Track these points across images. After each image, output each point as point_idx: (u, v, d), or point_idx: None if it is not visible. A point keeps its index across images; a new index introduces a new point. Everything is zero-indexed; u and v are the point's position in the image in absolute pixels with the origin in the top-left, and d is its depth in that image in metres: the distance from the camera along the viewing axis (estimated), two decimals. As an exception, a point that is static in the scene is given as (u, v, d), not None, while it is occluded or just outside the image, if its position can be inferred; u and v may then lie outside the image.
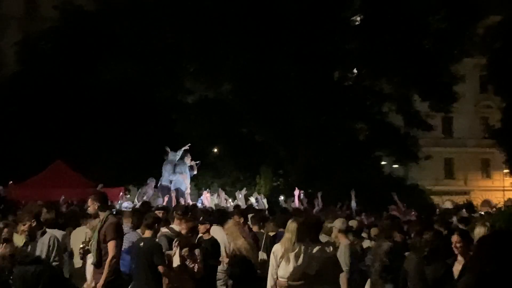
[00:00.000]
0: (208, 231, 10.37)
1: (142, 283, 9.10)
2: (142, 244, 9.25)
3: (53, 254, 9.17)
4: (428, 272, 7.68)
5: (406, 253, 9.05)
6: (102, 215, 9.14)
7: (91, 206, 9.26)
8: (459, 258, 8.23)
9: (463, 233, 8.58)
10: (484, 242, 6.20)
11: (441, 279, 7.69)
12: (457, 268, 8.11)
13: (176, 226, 10.40)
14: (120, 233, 9.08)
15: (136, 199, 19.63)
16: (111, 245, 8.77)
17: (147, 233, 9.39)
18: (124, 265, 9.51)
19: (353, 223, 12.25)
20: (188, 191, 22.99)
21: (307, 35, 30.32)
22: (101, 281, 8.66)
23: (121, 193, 20.96)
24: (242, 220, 10.98)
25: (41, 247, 9.24)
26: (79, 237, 10.25)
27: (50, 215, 10.67)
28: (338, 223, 11.19)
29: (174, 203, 18.79)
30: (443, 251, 8.31)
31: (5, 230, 10.14)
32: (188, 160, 22.50)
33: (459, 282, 6.37)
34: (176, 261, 9.31)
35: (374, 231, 12.13)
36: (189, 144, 23.84)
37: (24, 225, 9.56)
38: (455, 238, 8.45)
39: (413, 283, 7.74)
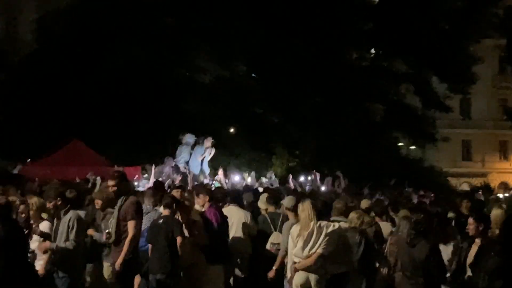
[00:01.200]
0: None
1: (160, 257, 9.26)
2: (161, 221, 9.43)
3: (72, 235, 9.37)
4: (414, 253, 7.81)
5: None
6: (123, 194, 9.26)
7: (112, 185, 9.35)
8: (477, 240, 8.33)
9: (478, 216, 8.67)
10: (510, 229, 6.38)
11: (425, 259, 7.83)
12: (474, 249, 8.24)
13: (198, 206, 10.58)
14: (140, 212, 9.17)
15: (152, 177, 19.69)
16: (131, 225, 8.86)
17: (166, 212, 9.55)
18: (142, 242, 9.67)
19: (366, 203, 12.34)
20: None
21: (323, 15, 30.24)
22: (120, 259, 8.79)
23: (137, 175, 20.81)
24: (207, 198, 10.76)
25: (63, 226, 9.45)
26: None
27: (72, 194, 10.84)
28: (364, 204, 11.39)
29: (190, 183, 18.84)
30: (430, 233, 8.43)
31: (22, 206, 10.38)
32: (208, 143, 22.02)
33: (487, 264, 6.47)
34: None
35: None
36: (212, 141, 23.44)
37: (49, 203, 9.76)
38: (470, 220, 8.56)
39: (403, 264, 7.84)
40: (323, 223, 9.13)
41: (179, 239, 9.37)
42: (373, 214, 11.36)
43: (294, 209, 9.97)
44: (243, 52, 32.17)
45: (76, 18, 34.80)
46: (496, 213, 8.68)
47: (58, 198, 9.73)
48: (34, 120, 30.47)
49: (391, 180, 24.10)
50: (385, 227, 10.83)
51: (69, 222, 9.41)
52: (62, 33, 34.20)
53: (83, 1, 35.77)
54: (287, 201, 10.73)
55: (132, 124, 30.74)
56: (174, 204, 9.73)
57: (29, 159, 23.01)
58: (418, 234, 8.06)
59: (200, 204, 10.51)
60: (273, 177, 22.73)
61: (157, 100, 32.08)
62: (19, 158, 22.90)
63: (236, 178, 22.36)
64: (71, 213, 9.56)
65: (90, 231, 10.27)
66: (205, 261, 9.86)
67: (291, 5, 30.12)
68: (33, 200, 10.18)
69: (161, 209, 10.02)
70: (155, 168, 18.90)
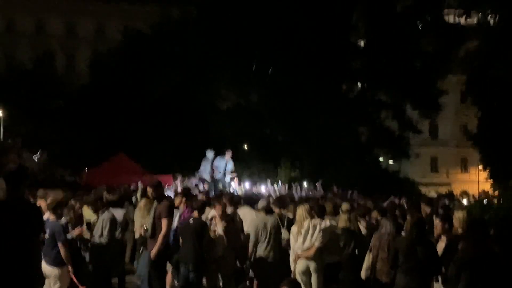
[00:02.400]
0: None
1: (190, 251, 9.20)
2: (192, 222, 9.38)
3: (105, 232, 9.42)
4: (419, 250, 7.57)
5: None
6: (158, 197, 9.24)
7: (150, 190, 9.38)
8: (442, 237, 8.21)
9: (443, 217, 8.56)
10: (474, 229, 6.32)
11: (430, 255, 7.63)
12: (440, 245, 8.11)
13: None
14: (172, 213, 9.13)
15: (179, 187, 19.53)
16: (164, 222, 8.83)
17: (196, 214, 9.50)
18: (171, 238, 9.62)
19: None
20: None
21: (321, 56, 30.34)
22: (154, 250, 8.77)
23: (168, 183, 20.49)
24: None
25: (99, 223, 9.48)
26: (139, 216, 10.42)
27: (110, 196, 10.85)
28: (344, 207, 11.26)
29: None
30: (427, 232, 8.28)
31: (77, 205, 10.41)
32: (228, 157, 21.05)
33: (456, 258, 6.39)
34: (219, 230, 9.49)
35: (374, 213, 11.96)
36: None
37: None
38: (437, 221, 8.42)
39: (406, 260, 7.59)
40: (316, 221, 9.09)
41: (212, 233, 9.38)
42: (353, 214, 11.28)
43: (266, 210, 10.23)
44: (256, 84, 32.34)
45: (124, 55, 35.10)
46: (459, 215, 8.51)
47: (98, 200, 9.85)
48: (88, 138, 30.64)
49: (375, 188, 23.94)
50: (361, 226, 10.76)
51: (103, 221, 9.45)
52: (113, 67, 34.46)
53: (129, 43, 36.11)
54: (260, 204, 10.78)
55: (166, 141, 30.85)
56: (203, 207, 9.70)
57: (86, 168, 23.05)
58: (421, 234, 7.71)
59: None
60: (280, 185, 22.53)
61: (187, 121, 32.22)
62: (77, 168, 22.98)
63: (246, 185, 22.28)
64: (106, 213, 9.58)
65: (76, 231, 9.30)
66: (233, 256, 9.73)
67: (296, 49, 30.26)
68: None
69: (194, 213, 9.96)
70: (182, 181, 18.62)
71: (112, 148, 25.61)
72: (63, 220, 8.53)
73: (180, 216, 10.19)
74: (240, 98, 34.28)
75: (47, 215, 8.44)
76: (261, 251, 9.51)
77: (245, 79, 32.01)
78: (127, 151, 24.30)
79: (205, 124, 32.39)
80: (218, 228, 9.48)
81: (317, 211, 9.59)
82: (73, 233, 9.11)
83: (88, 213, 10.18)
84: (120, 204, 11.27)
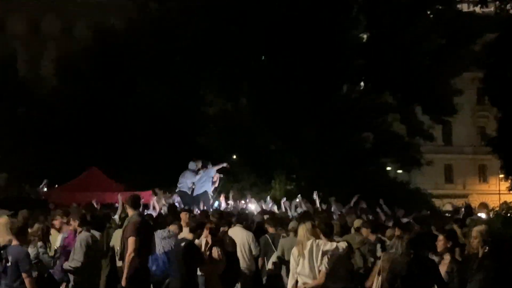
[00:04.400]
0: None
1: (178, 281, 9.13)
2: (183, 245, 9.34)
3: (76, 254, 9.53)
4: (417, 272, 7.53)
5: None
6: (130, 214, 9.21)
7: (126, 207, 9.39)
8: (445, 256, 8.22)
9: (448, 234, 8.55)
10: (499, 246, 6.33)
11: (431, 277, 7.58)
12: (443, 266, 8.08)
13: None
14: (141, 231, 8.96)
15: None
16: (130, 242, 8.77)
17: (190, 236, 9.47)
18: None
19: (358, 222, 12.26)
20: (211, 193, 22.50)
21: (319, 52, 30.38)
22: (124, 275, 8.74)
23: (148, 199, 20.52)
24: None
25: (75, 245, 9.53)
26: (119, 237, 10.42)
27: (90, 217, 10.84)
28: (356, 223, 11.26)
29: (202, 206, 18.79)
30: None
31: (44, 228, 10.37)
32: (214, 169, 21.66)
33: (481, 278, 6.35)
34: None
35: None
36: (227, 164, 23.35)
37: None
38: (440, 237, 8.41)
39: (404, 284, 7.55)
40: (320, 241, 9.06)
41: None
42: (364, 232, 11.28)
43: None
44: (245, 87, 32.33)
45: (94, 56, 35.02)
46: (479, 228, 8.38)
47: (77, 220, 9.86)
48: (56, 150, 30.53)
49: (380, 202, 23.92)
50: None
51: (76, 243, 9.53)
52: (83, 69, 34.36)
53: (99, 42, 36.05)
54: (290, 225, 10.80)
55: (144, 153, 30.78)
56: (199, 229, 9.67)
57: (56, 185, 23.02)
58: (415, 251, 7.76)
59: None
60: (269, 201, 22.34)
61: (168, 130, 32.14)
62: (44, 184, 22.93)
63: (238, 202, 22.25)
64: (83, 234, 9.59)
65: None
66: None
67: (288, 45, 30.29)
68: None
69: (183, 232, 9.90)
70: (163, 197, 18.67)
71: (83, 162, 25.57)
72: (35, 247, 8.51)
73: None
74: (228, 102, 34.26)
75: (6, 240, 8.37)
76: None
77: (234, 80, 31.99)
78: (100, 165, 24.27)
79: (188, 133, 32.36)
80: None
81: (324, 229, 9.48)
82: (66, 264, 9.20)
83: (55, 237, 10.18)
84: (101, 227, 11.20)
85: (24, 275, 8.02)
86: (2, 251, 8.27)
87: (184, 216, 10.60)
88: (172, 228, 10.58)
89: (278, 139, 32.13)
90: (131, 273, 8.68)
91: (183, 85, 32.70)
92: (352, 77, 33.91)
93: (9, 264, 8.08)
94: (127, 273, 8.67)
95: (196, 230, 9.49)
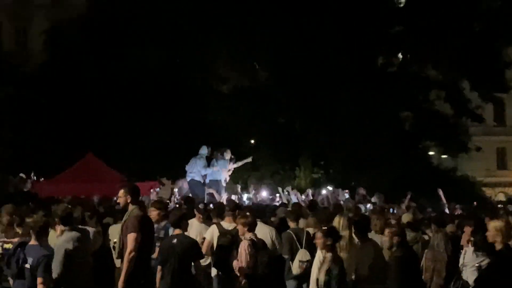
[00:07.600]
0: None
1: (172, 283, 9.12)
2: (175, 241, 9.37)
3: (54, 263, 9.33)
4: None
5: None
6: (131, 208, 9.15)
7: (122, 198, 9.26)
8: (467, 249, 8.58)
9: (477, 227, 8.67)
10: None
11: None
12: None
13: (226, 223, 10.54)
14: (144, 226, 8.96)
15: (175, 196, 19.60)
16: (130, 238, 8.74)
17: (177, 231, 9.52)
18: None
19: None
20: (224, 184, 22.59)
21: (349, 18, 30.20)
22: (122, 277, 8.67)
23: (152, 189, 20.70)
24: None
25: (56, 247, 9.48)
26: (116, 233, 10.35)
27: (76, 213, 10.78)
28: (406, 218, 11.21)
29: (217, 198, 18.88)
30: None
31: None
32: (227, 156, 21.84)
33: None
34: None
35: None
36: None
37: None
38: (467, 228, 8.55)
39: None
40: (355, 240, 8.99)
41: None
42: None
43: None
44: (264, 57, 32.11)
45: (89, 26, 34.96)
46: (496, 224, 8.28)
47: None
48: (46, 134, 30.59)
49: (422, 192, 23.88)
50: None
51: (57, 248, 9.32)
52: (76, 41, 34.30)
53: (95, 10, 35.98)
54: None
55: (148, 137, 30.77)
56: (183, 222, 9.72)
57: (42, 178, 23.10)
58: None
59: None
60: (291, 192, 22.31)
61: (173, 110, 32.08)
62: (33, 175, 23.03)
63: (263, 193, 22.30)
64: (64, 236, 9.23)
65: None
66: None
67: (315, 8, 30.09)
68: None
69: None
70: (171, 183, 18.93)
71: (78, 148, 25.61)
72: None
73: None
74: (244, 77, 34.16)
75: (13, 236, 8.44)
76: None
77: (250, 51, 31.83)
78: (97, 151, 24.28)
79: (198, 113, 32.32)
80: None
81: (358, 226, 9.37)
82: None
83: (53, 236, 10.11)
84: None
85: (39, 280, 8.10)
86: (18, 249, 8.37)
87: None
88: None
89: (304, 119, 31.98)
90: (129, 274, 8.63)
91: (193, 59, 32.60)
92: (389, 47, 33.67)
93: (27, 265, 8.15)
94: (126, 275, 8.62)
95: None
